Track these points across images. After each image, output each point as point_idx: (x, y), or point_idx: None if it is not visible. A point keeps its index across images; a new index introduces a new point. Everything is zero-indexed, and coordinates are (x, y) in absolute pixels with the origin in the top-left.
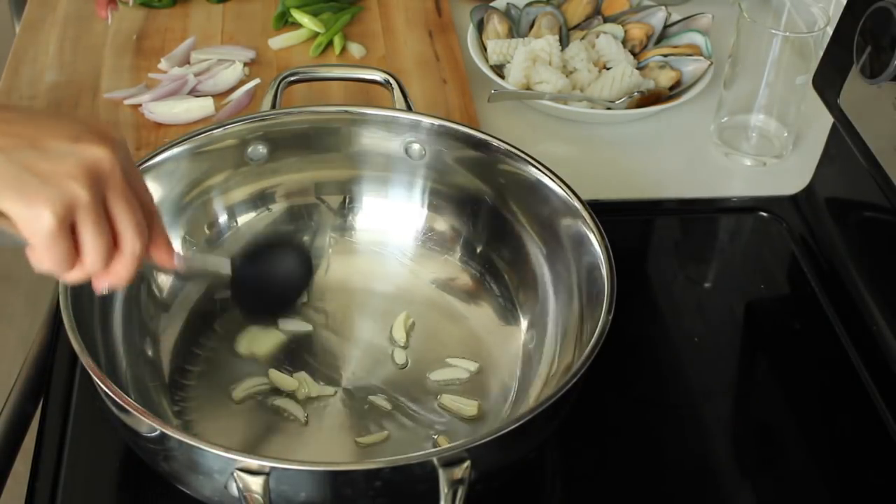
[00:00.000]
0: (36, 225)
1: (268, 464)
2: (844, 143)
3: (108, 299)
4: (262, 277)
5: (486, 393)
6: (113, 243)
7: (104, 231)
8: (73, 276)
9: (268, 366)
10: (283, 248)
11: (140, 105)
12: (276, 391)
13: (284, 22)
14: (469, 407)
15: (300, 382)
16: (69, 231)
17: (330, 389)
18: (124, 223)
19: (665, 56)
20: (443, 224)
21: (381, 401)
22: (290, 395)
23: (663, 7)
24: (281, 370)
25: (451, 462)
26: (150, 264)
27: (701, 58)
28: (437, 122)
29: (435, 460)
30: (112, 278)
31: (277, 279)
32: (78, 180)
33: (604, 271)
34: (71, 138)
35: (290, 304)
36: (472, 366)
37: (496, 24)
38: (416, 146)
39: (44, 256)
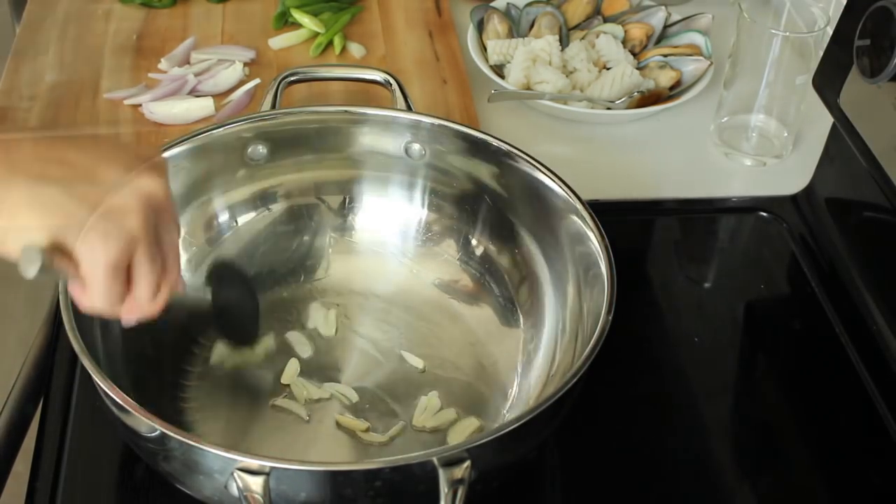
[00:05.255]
0: (94, 262)
1: (268, 464)
2: (844, 143)
3: None
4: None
5: (486, 393)
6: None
7: (157, 265)
8: (118, 312)
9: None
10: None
11: (140, 105)
12: (277, 391)
13: (284, 22)
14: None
15: (307, 389)
16: (126, 268)
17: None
18: (171, 254)
19: (665, 56)
20: (443, 224)
21: (380, 401)
22: (291, 396)
23: (663, 7)
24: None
25: (451, 462)
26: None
27: (701, 58)
28: (437, 122)
29: (435, 460)
30: (147, 310)
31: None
32: (136, 215)
33: (604, 271)
34: (125, 168)
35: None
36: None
37: (496, 24)
38: (416, 146)
39: (96, 293)
